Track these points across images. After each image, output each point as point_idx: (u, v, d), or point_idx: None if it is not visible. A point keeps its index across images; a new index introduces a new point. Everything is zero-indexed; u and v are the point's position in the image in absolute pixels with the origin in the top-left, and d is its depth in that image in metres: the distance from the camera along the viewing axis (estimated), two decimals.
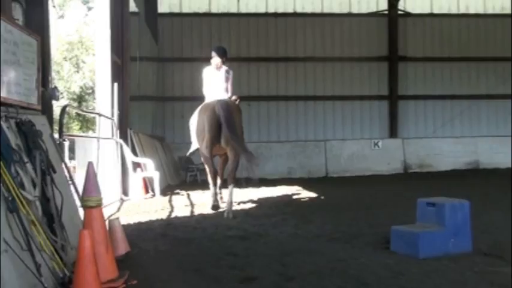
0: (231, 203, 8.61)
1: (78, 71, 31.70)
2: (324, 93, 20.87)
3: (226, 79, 9.41)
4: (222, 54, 9.51)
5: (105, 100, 11.23)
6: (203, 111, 9.10)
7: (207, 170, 9.48)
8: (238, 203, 10.34)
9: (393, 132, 20.93)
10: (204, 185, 12.93)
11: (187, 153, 10.33)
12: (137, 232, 6.97)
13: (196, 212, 9.14)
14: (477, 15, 21.37)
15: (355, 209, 9.18)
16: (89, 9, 31.62)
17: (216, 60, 9.44)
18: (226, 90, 9.40)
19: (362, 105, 21.10)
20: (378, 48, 21.03)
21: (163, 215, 8.78)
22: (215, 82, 9.37)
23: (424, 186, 13.24)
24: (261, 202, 10.51)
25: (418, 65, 21.24)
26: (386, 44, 21.04)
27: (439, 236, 5.46)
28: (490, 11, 21.50)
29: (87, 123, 31.48)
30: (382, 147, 19.77)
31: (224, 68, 9.46)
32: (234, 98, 9.39)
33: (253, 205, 10.05)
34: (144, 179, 11.99)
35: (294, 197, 11.57)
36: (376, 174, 18.52)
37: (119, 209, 9.61)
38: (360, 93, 20.98)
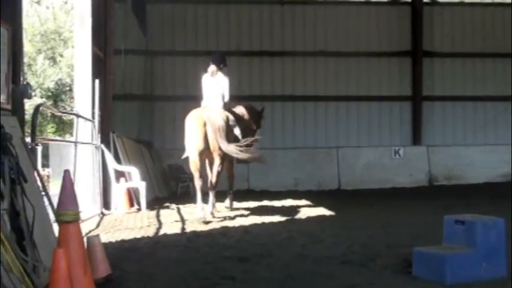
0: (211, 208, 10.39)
1: (54, 66, 31.79)
2: (337, 93, 20.86)
3: (221, 86, 11.01)
4: (218, 61, 11.21)
5: (84, 99, 11.25)
6: (189, 120, 10.62)
7: (194, 180, 10.81)
8: (234, 217, 10.35)
9: (417, 139, 20.90)
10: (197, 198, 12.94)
11: (182, 156, 11.13)
12: (120, 252, 6.97)
13: (188, 228, 9.15)
14: None
15: (371, 227, 9.18)
16: None
17: (211, 68, 11.09)
18: (222, 97, 10.98)
19: (381, 107, 21.09)
20: (400, 42, 21.03)
21: (150, 232, 8.78)
22: (211, 89, 11.02)
23: (452, 202, 13.22)
24: (263, 218, 10.50)
25: (446, 61, 21.23)
26: (409, 37, 21.04)
27: (469, 259, 5.44)
28: None
29: (63, 126, 31.54)
30: (403, 156, 19.75)
31: (220, 74, 11.04)
32: (240, 107, 11.20)
33: (254, 221, 10.04)
34: (129, 191, 11.99)
35: (301, 212, 11.56)
36: (396, 187, 18.49)
37: (99, 225, 9.61)
38: (378, 94, 20.97)
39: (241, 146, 10.32)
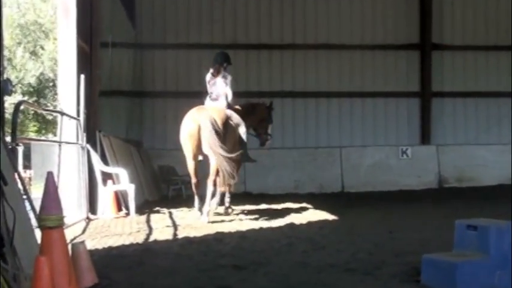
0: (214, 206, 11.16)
1: (35, 60, 31.75)
2: (340, 88, 20.88)
3: (224, 84, 11.63)
4: (221, 60, 11.81)
5: (69, 95, 11.24)
6: (185, 120, 11.23)
7: (192, 181, 11.54)
8: (230, 222, 10.35)
9: (425, 138, 20.93)
10: (190, 201, 12.92)
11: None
12: (107, 259, 6.96)
13: (181, 235, 9.15)
14: None
15: (377, 232, 9.18)
16: None
17: (214, 67, 11.79)
18: (225, 96, 11.62)
19: (387, 104, 21.12)
20: (407, 34, 21.06)
21: (139, 238, 8.78)
22: (213, 88, 11.71)
23: (464, 205, 13.23)
24: (261, 223, 10.51)
25: (457, 54, 21.26)
26: (417, 28, 21.07)
27: (482, 266, 5.45)
28: None
29: (46, 124, 31.51)
30: (411, 156, 19.78)
31: (222, 73, 11.66)
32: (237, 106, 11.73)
33: (251, 226, 10.05)
34: (116, 194, 11.99)
35: (302, 216, 11.57)
36: (403, 190, 18.51)
37: (84, 231, 9.61)
38: (384, 89, 20.99)
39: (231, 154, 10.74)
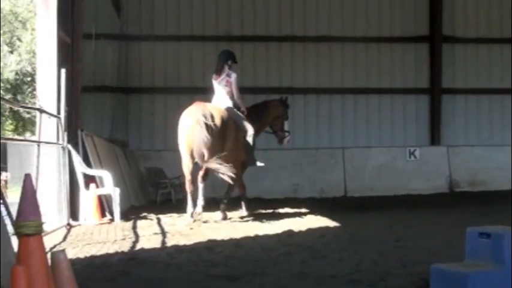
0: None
1: (12, 52, 31.69)
2: (343, 84, 20.92)
3: (228, 83, 12.26)
4: (224, 58, 12.37)
5: (48, 91, 11.22)
6: (181, 118, 11.51)
7: (186, 179, 11.74)
8: (223, 229, 10.33)
9: (435, 138, 20.98)
10: (180, 207, 12.91)
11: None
12: (89, 269, 6.95)
13: (170, 242, 9.14)
14: None
15: (382, 240, 9.20)
16: None
17: (217, 66, 12.38)
18: (230, 96, 12.27)
19: (393, 101, 21.16)
20: (416, 25, 21.11)
21: (124, 246, 8.77)
22: (218, 88, 12.32)
23: (476, 211, 13.24)
24: (256, 229, 10.52)
25: (470, 47, 21.31)
26: (427, 19, 21.12)
27: (496, 277, 5.45)
28: None
29: (24, 123, 31.43)
30: (420, 158, 19.79)
31: (226, 72, 12.24)
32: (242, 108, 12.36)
33: (246, 233, 10.05)
34: (100, 198, 11.97)
35: (301, 223, 11.59)
36: (411, 194, 18.53)
37: (65, 238, 9.60)
38: (390, 85, 21.04)
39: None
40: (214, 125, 11.22)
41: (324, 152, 19.89)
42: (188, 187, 11.63)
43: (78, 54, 12.55)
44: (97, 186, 11.99)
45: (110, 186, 12.01)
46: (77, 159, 11.77)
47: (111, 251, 8.34)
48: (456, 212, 13.63)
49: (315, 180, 19.11)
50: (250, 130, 12.29)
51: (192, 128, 11.17)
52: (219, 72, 12.36)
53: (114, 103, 18.97)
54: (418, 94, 21.22)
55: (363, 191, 18.93)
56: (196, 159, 11.27)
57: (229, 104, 12.27)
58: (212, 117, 11.26)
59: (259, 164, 12.59)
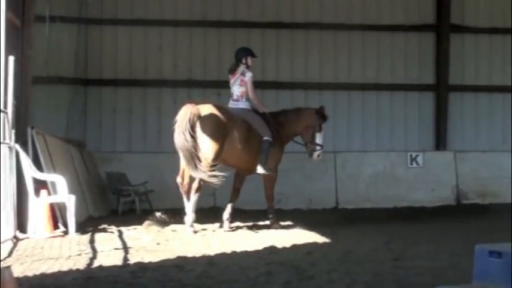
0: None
1: None
2: (335, 79, 20.95)
3: (243, 83, 13.08)
4: (239, 57, 13.26)
5: None
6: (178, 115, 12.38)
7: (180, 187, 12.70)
8: (194, 244, 10.33)
9: (441, 142, 21.04)
10: (146, 218, 12.92)
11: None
12: None
13: (133, 259, 9.11)
14: None
15: (379, 259, 9.22)
16: None
17: (232, 64, 13.34)
18: (246, 97, 13.14)
19: (393, 99, 21.21)
20: (420, 12, 21.18)
21: (80, 263, 8.73)
22: (233, 89, 13.23)
23: (487, 226, 13.31)
24: (233, 245, 10.52)
25: (481, 38, 21.39)
26: (433, 5, 21.20)
27: None
28: None
29: None
30: (423, 165, 19.83)
31: (241, 70, 13.11)
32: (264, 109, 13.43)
33: (221, 250, 10.06)
34: (52, 207, 11.91)
35: (285, 238, 11.58)
36: (413, 206, 18.56)
37: (11, 253, 9.53)
38: (390, 81, 21.10)
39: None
40: (205, 129, 12.23)
41: None
42: (182, 191, 12.60)
43: (29, 39, 12.49)
44: (49, 193, 11.93)
45: (64, 193, 11.95)
46: (26, 161, 11.69)
47: (65, 268, 8.29)
48: (464, 227, 13.68)
49: (302, 189, 19.09)
50: (265, 135, 12.99)
51: (177, 136, 12.15)
52: (233, 71, 13.23)
53: (71, 97, 18.87)
54: (421, 91, 21.27)
55: (357, 202, 18.95)
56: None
57: (244, 105, 13.17)
58: (202, 121, 12.25)
59: (268, 172, 13.37)
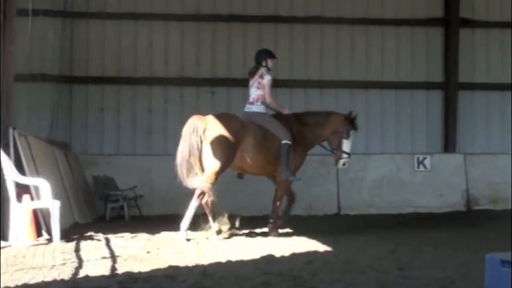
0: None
1: None
2: (336, 76, 20.98)
3: (260, 86, 13.48)
4: (259, 59, 13.72)
5: None
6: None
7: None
8: (188, 253, 10.30)
9: (450, 144, 21.06)
10: (135, 225, 12.88)
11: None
12: None
13: (121, 269, 9.08)
14: None
15: (383, 269, 9.19)
16: None
17: (252, 68, 13.84)
18: (258, 100, 13.45)
19: (399, 98, 21.25)
20: (428, 6, 21.23)
21: (65, 273, 8.69)
22: (250, 91, 13.62)
23: (498, 233, 13.29)
24: (229, 254, 10.50)
25: (492, 33, 21.44)
26: None
27: None
28: None
29: None
30: (431, 169, 19.87)
31: (260, 73, 13.55)
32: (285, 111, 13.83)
33: (216, 259, 10.04)
34: (35, 213, 11.88)
35: (284, 246, 11.57)
36: (420, 212, 18.62)
37: None
38: (396, 79, 21.13)
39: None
40: (212, 141, 12.52)
41: (313, 159, 19.67)
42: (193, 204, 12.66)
43: (10, 34, 12.46)
44: (32, 199, 11.92)
45: (47, 198, 11.94)
46: (8, 164, 11.67)
47: (49, 278, 8.26)
48: (474, 234, 13.68)
49: (301, 194, 18.90)
50: (284, 138, 13.13)
51: (182, 149, 12.57)
52: (253, 74, 13.67)
53: (55, 96, 18.88)
54: (429, 89, 21.32)
55: (361, 208, 19.00)
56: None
57: (258, 109, 13.50)
58: (209, 133, 12.58)
59: (291, 178, 13.50)
